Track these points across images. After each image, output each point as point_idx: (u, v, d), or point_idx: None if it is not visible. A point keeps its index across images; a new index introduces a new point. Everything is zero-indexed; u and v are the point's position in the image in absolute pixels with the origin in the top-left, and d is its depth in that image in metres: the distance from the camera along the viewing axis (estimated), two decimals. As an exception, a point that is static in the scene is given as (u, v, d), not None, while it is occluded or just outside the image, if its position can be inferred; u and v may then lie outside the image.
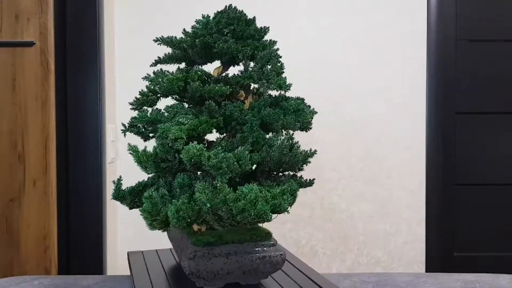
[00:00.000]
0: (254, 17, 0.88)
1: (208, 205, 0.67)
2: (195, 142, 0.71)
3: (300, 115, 0.80)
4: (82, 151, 1.56)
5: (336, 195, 1.71)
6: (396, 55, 1.69)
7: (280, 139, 0.76)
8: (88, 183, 1.56)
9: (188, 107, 0.81)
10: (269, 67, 0.79)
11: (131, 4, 1.68)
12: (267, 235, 0.79)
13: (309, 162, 0.87)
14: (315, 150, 0.85)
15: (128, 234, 1.68)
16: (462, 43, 1.70)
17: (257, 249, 0.76)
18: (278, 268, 0.78)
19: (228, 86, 0.78)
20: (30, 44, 1.51)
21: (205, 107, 0.77)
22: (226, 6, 0.86)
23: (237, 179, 0.73)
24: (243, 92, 0.82)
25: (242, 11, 0.87)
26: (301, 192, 1.85)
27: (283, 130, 0.78)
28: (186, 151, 0.69)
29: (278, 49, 0.87)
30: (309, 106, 0.87)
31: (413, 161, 1.70)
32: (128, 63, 1.66)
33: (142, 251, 1.01)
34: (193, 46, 0.81)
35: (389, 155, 1.71)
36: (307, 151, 0.83)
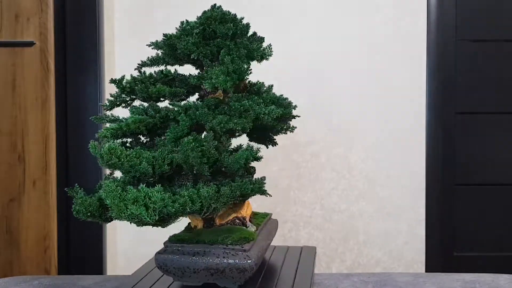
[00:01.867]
0: (234, 15, 0.87)
1: (108, 201, 0.68)
2: (118, 141, 0.73)
3: (247, 117, 0.76)
4: (82, 151, 1.56)
5: (336, 195, 1.71)
6: (396, 55, 1.69)
7: (187, 139, 0.73)
8: (88, 183, 1.56)
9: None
10: (220, 68, 0.78)
11: (131, 4, 1.68)
12: (245, 239, 0.77)
13: (249, 166, 0.84)
14: (257, 153, 0.80)
15: (128, 234, 1.68)
16: (462, 43, 1.70)
17: (224, 252, 0.75)
18: (248, 276, 0.75)
19: (168, 87, 0.79)
20: (30, 44, 1.51)
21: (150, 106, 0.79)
22: (211, 6, 0.87)
23: (152, 180, 0.71)
24: (221, 92, 0.83)
25: (226, 11, 0.88)
26: (301, 192, 1.85)
27: (221, 132, 0.75)
28: (93, 147, 0.71)
29: (260, 47, 0.86)
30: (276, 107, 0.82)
31: (413, 161, 1.70)
32: (128, 63, 1.66)
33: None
34: (163, 49, 0.83)
35: (389, 155, 1.71)
36: (246, 155, 0.76)
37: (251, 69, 0.83)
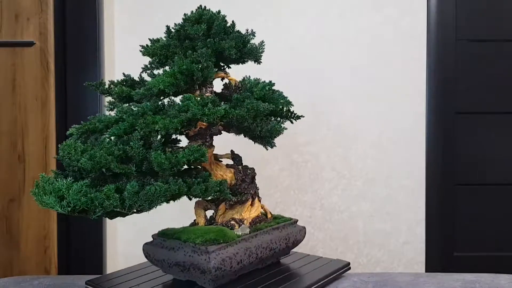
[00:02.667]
0: (212, 15, 0.88)
1: (35, 190, 0.71)
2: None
3: (178, 117, 0.76)
4: (82, 151, 1.56)
5: (336, 195, 1.71)
6: (396, 55, 1.69)
7: (106, 139, 0.75)
8: (88, 183, 1.56)
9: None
10: (169, 69, 0.82)
11: (131, 4, 1.68)
12: (215, 241, 0.77)
13: (197, 166, 0.84)
14: (195, 154, 0.77)
15: (128, 234, 1.68)
16: (462, 43, 1.70)
17: (192, 251, 0.76)
18: (209, 278, 0.75)
19: (127, 88, 0.84)
20: (30, 44, 1.51)
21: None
22: (197, 7, 0.89)
23: (109, 173, 0.72)
24: (198, 92, 0.86)
25: (206, 12, 0.89)
26: (301, 192, 1.85)
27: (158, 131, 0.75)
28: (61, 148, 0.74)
29: (241, 45, 0.87)
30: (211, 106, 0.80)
31: (413, 161, 1.70)
32: (128, 63, 1.66)
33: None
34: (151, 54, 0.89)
35: (389, 155, 1.71)
36: (168, 157, 0.74)
37: (222, 69, 0.86)
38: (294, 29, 1.69)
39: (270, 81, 0.88)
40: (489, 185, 1.72)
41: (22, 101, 1.52)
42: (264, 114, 0.84)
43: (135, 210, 0.72)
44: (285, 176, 1.69)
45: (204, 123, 0.84)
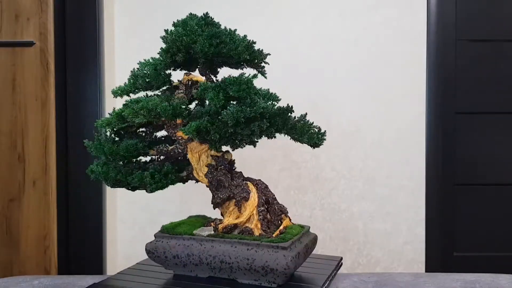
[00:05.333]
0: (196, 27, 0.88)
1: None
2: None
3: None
4: (82, 151, 1.56)
5: (336, 195, 1.71)
6: (396, 55, 1.69)
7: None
8: (88, 183, 1.56)
9: None
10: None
11: (131, 4, 1.68)
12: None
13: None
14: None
15: (128, 234, 1.68)
16: (462, 43, 1.70)
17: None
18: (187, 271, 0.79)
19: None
20: (30, 44, 1.51)
21: None
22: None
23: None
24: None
25: (197, 17, 0.90)
26: (301, 192, 1.86)
27: None
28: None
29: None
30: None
31: (413, 161, 1.70)
32: (128, 63, 1.66)
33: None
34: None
35: (389, 155, 1.71)
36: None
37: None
38: (294, 29, 1.69)
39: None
40: (489, 185, 1.72)
41: (22, 101, 1.52)
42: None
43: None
44: (285, 176, 1.69)
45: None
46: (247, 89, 0.81)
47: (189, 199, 1.64)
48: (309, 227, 0.93)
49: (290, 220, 0.90)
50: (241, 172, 0.90)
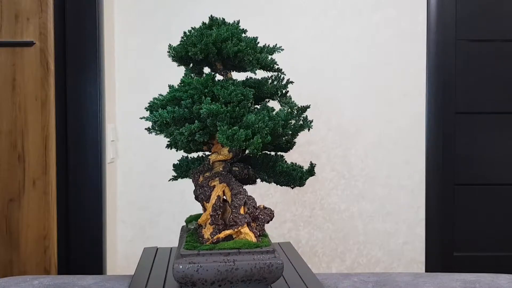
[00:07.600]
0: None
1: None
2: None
3: None
4: (82, 151, 1.56)
5: (336, 195, 1.71)
6: (396, 55, 1.69)
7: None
8: (88, 183, 1.56)
9: None
10: None
11: (130, 3, 1.68)
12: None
13: None
14: None
15: (128, 234, 1.68)
16: (462, 43, 1.70)
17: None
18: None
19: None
20: (30, 44, 1.51)
21: None
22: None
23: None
24: None
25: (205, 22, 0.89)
26: (301, 192, 1.86)
27: None
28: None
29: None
30: None
31: (413, 161, 1.70)
32: (128, 63, 1.66)
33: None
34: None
35: (389, 155, 1.71)
36: None
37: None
38: (294, 29, 1.69)
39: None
40: (489, 185, 1.72)
41: (22, 101, 1.52)
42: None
43: None
44: (285, 176, 1.69)
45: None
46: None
47: (189, 199, 1.64)
48: (274, 249, 0.76)
49: (252, 232, 0.79)
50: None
